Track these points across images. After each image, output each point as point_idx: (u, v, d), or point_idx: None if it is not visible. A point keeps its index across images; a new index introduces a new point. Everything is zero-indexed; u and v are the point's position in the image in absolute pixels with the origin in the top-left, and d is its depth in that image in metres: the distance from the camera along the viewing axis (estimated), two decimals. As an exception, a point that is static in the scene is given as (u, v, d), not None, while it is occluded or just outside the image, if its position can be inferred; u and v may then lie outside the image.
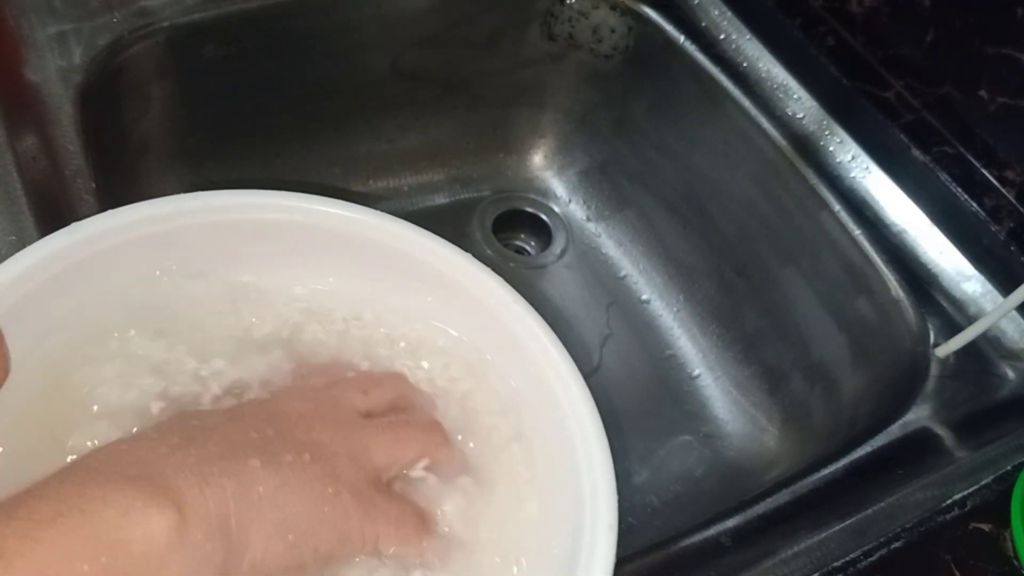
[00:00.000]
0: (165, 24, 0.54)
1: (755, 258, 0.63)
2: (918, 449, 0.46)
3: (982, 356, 0.51)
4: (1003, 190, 0.53)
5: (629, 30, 0.66)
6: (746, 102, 0.60)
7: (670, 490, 0.60)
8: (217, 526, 0.26)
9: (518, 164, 0.74)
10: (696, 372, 0.66)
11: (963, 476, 0.44)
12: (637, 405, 0.64)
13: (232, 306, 0.37)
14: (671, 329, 0.68)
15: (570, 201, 0.74)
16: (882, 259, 0.54)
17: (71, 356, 0.34)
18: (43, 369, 0.33)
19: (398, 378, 0.37)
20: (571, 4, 0.66)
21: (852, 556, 0.40)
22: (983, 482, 0.44)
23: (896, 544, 0.41)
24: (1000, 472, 0.44)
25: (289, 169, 0.66)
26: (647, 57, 0.66)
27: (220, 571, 0.26)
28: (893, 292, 0.53)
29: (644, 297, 0.69)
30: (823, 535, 0.40)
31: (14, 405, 0.31)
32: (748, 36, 0.63)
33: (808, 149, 0.59)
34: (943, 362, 0.50)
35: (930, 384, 0.49)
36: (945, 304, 0.53)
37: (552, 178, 0.74)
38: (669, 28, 0.64)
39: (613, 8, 0.65)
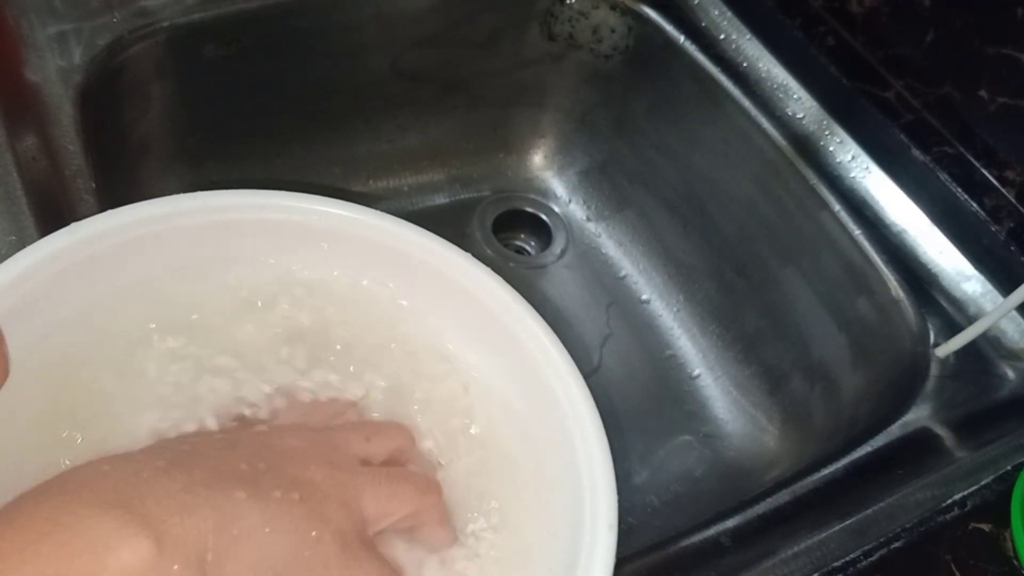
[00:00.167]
0: (165, 24, 0.54)
1: (755, 258, 0.63)
2: (918, 449, 0.46)
3: (982, 356, 0.51)
4: (1003, 190, 0.53)
5: (629, 30, 0.66)
6: (746, 102, 0.60)
7: (670, 490, 0.60)
8: (193, 559, 0.25)
9: (518, 164, 0.74)
10: (696, 372, 0.66)
11: (963, 476, 0.44)
12: (637, 405, 0.64)
13: (232, 307, 0.37)
14: (671, 329, 0.68)
15: (570, 201, 0.74)
16: (882, 259, 0.54)
17: (71, 357, 0.34)
18: (43, 370, 0.33)
19: (401, 430, 0.36)
20: (571, 4, 0.66)
21: (852, 556, 0.40)
22: (983, 482, 0.44)
23: (896, 544, 0.41)
24: (1000, 472, 0.44)
25: (289, 169, 0.66)
26: (647, 57, 0.66)
27: None
28: (893, 292, 0.53)
29: (644, 297, 0.69)
30: (823, 535, 0.40)
31: (14, 406, 0.31)
32: (748, 36, 0.63)
33: (808, 149, 0.59)
34: (943, 362, 0.50)
35: (930, 384, 0.49)
36: (945, 304, 0.53)
37: (552, 178, 0.74)
38: (669, 28, 0.64)
39: (613, 8, 0.65)
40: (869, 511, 0.42)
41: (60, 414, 0.32)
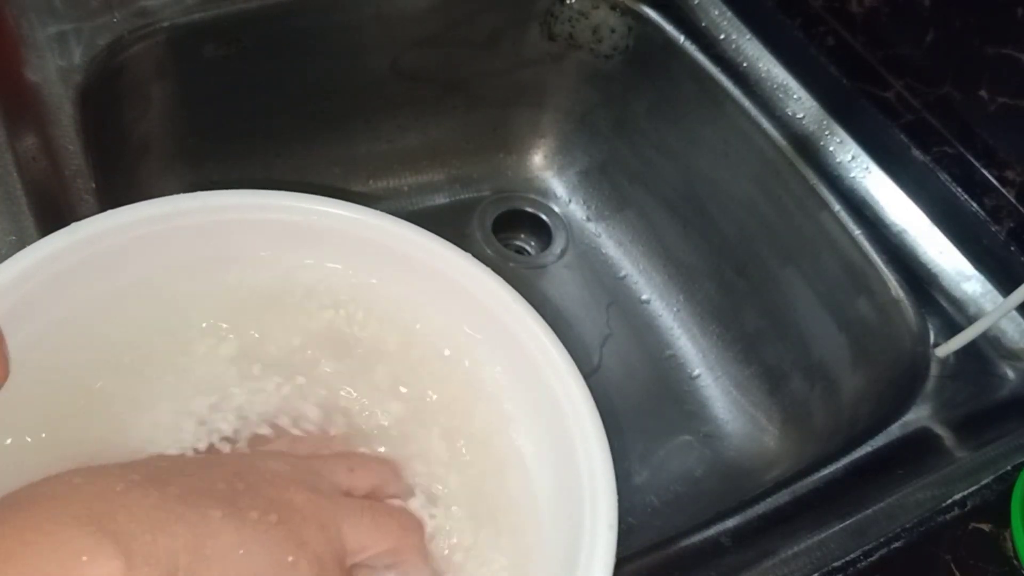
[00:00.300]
0: (165, 24, 0.54)
1: (755, 258, 0.63)
2: (918, 449, 0.46)
3: (982, 356, 0.51)
4: (1003, 190, 0.53)
5: (629, 30, 0.66)
6: (746, 102, 0.60)
7: (670, 490, 0.60)
8: None
9: (518, 164, 0.74)
10: (696, 372, 0.66)
11: (963, 476, 0.44)
12: (637, 405, 0.64)
13: (232, 307, 0.37)
14: (671, 329, 0.68)
15: (570, 201, 0.74)
16: (882, 259, 0.54)
17: (72, 357, 0.34)
18: (43, 370, 0.33)
19: (386, 464, 0.35)
20: (571, 4, 0.66)
21: (852, 556, 0.40)
22: (983, 482, 0.44)
23: (896, 544, 0.41)
24: (1000, 472, 0.44)
25: (289, 169, 0.66)
26: (647, 57, 0.66)
27: None
28: (893, 292, 0.53)
29: (644, 297, 0.69)
30: (823, 535, 0.40)
31: (14, 406, 0.31)
32: (748, 36, 0.63)
33: (808, 149, 0.59)
34: (943, 362, 0.50)
35: (930, 384, 0.49)
36: (945, 304, 0.53)
37: (552, 178, 0.74)
38: (669, 28, 0.64)
39: (613, 8, 0.65)
40: (869, 511, 0.42)
41: (60, 414, 0.32)
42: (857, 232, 0.55)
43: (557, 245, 0.71)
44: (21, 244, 0.37)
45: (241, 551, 0.27)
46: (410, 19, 0.62)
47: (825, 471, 0.45)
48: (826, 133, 0.59)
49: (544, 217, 0.73)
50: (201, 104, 0.59)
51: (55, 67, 0.50)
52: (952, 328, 0.52)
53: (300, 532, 0.28)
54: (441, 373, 0.38)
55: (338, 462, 0.33)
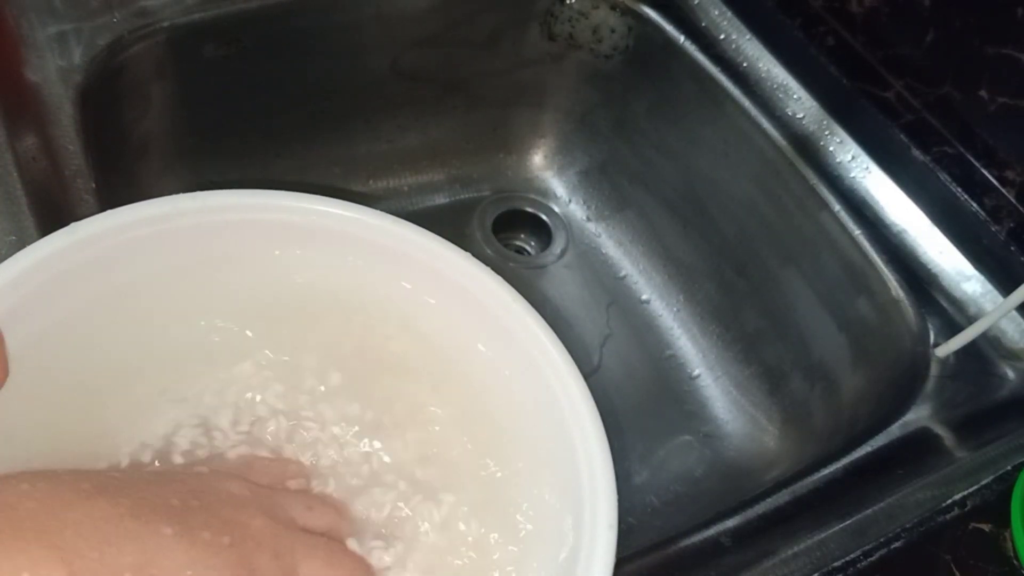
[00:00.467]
0: (165, 24, 0.54)
1: (755, 258, 0.63)
2: (918, 449, 0.46)
3: (982, 356, 0.51)
4: (1003, 190, 0.53)
5: (629, 30, 0.66)
6: (746, 102, 0.60)
7: (670, 490, 0.60)
8: None
9: (518, 164, 0.74)
10: (696, 372, 0.66)
11: (963, 476, 0.44)
12: (637, 405, 0.64)
13: (231, 308, 0.37)
14: (671, 329, 0.68)
15: (570, 201, 0.74)
16: (882, 259, 0.54)
17: (71, 357, 0.34)
18: (43, 370, 0.33)
19: (342, 509, 0.34)
20: (571, 4, 0.66)
21: (852, 556, 0.40)
22: (983, 482, 0.44)
23: (896, 544, 0.41)
24: (1000, 472, 0.44)
25: (289, 169, 0.66)
26: (647, 57, 0.66)
27: None
28: (893, 292, 0.53)
29: (644, 297, 0.69)
30: (823, 535, 0.40)
31: (14, 406, 0.31)
32: (748, 36, 0.63)
33: (808, 149, 0.59)
34: (943, 362, 0.50)
35: (930, 384, 0.49)
36: (945, 304, 0.53)
37: (552, 178, 0.74)
38: (669, 28, 0.64)
39: (613, 8, 0.65)
40: (869, 511, 0.42)
41: (60, 414, 0.32)
42: (857, 232, 0.55)
43: (557, 245, 0.71)
44: (21, 244, 0.37)
45: (189, 573, 0.26)
46: (410, 19, 0.62)
47: (825, 471, 0.45)
48: (826, 133, 0.59)
49: (544, 217, 0.73)
50: (201, 104, 0.59)
51: (55, 67, 0.50)
52: (952, 328, 0.52)
53: (252, 558, 0.28)
54: (439, 373, 0.38)
55: (297, 498, 0.33)
